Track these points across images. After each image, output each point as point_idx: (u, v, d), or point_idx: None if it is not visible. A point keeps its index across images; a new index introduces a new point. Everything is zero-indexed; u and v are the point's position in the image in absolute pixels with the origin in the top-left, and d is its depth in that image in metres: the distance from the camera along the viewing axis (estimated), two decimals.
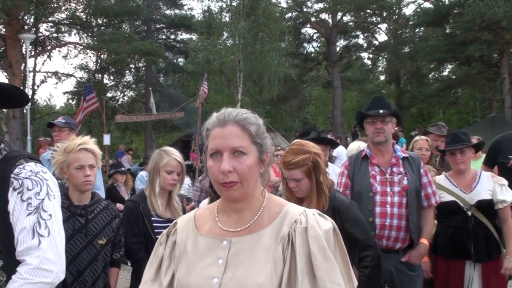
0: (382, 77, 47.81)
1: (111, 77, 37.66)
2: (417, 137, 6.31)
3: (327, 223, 1.84)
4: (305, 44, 37.94)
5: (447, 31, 33.87)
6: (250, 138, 1.83)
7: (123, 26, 33.84)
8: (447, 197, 4.65)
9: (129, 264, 4.75)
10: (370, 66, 44.29)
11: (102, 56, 33.72)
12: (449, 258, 4.62)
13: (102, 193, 5.50)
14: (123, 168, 10.55)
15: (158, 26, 37.10)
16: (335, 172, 5.37)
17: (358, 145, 6.09)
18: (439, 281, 4.67)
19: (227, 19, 25.25)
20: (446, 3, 33.00)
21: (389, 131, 4.33)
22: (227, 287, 1.77)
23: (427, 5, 36.00)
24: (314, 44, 39.29)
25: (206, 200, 4.52)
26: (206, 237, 1.91)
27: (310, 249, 1.75)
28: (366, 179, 4.30)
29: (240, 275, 1.77)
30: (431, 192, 4.42)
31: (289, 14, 34.88)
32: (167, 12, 36.97)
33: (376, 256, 3.55)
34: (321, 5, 35.07)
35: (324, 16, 35.40)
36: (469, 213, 4.55)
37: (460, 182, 4.69)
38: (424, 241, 4.36)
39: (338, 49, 35.51)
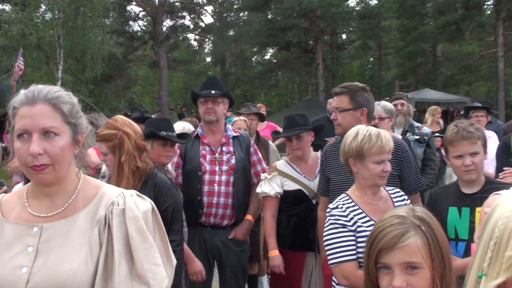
0: (208, 59, 48.64)
1: None
2: (235, 118, 6.58)
3: (146, 204, 1.82)
4: (131, 22, 36.93)
5: (269, 16, 35.50)
6: (63, 117, 1.72)
7: None
8: (292, 186, 4.31)
9: None
10: (197, 48, 44.72)
11: None
12: (291, 249, 4.31)
13: None
14: None
15: None
16: None
17: (183, 125, 6.13)
18: (275, 274, 4.34)
19: None
20: None
21: (220, 111, 4.42)
22: (38, 276, 1.65)
23: None
24: (140, 22, 38.44)
25: (20, 185, 4.16)
26: (13, 224, 1.75)
27: (128, 231, 1.72)
28: (196, 158, 4.38)
29: (52, 263, 1.67)
30: (260, 169, 4.60)
31: None
32: None
33: (182, 242, 3.55)
34: None
35: None
36: (314, 201, 4.27)
37: (303, 168, 4.39)
38: (249, 217, 4.53)
39: (164, 29, 35.16)
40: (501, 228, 1.18)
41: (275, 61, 42.25)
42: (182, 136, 4.31)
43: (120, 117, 3.54)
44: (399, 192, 3.15)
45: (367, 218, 2.84)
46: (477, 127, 3.19)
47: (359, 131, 2.94)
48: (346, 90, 3.74)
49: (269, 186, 4.30)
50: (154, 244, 1.75)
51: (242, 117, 6.44)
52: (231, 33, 39.58)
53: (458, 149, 3.11)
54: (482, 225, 1.31)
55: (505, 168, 3.23)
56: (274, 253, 4.21)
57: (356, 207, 2.90)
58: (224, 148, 4.46)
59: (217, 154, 4.41)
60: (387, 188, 3.12)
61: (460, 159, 3.10)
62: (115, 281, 1.66)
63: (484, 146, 3.15)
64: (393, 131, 5.64)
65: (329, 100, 6.78)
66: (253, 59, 44.70)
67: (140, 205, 1.79)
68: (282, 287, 4.35)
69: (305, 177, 4.35)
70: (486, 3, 35.73)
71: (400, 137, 5.19)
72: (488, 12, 36.34)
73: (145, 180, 3.42)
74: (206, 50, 47.63)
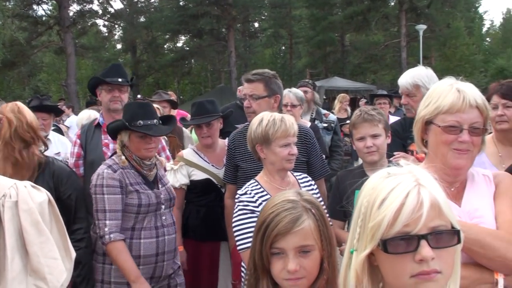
0: (119, 46, 47.27)
1: None
2: (155, 105, 6.47)
3: (41, 195, 1.76)
4: (35, 6, 34.98)
5: (181, 3, 35.06)
6: None
7: None
8: (200, 175, 4.19)
9: None
10: (106, 34, 43.25)
11: None
12: (203, 240, 4.21)
13: None
14: None
15: None
16: (61, 143, 5.21)
17: (88, 114, 5.93)
18: (189, 269, 4.13)
19: None
20: None
21: (125, 100, 4.29)
22: None
23: None
24: (45, 6, 36.49)
25: None
26: None
27: (22, 224, 1.66)
28: (99, 147, 4.17)
29: None
30: (165, 157, 4.50)
31: None
32: None
33: (89, 229, 3.44)
34: None
35: None
36: (223, 190, 4.17)
37: (211, 156, 4.29)
38: None
39: (71, 14, 33.64)
40: (366, 204, 1.31)
41: (187, 48, 41.86)
42: (167, 119, 3.78)
43: (13, 104, 3.27)
44: (306, 177, 3.25)
45: None
46: (380, 111, 3.35)
47: (263, 117, 3.02)
48: (261, 77, 3.75)
49: (174, 177, 4.16)
50: (50, 237, 1.69)
51: (155, 105, 6.35)
52: (142, 19, 38.68)
53: (360, 131, 3.23)
54: None
55: (395, 153, 3.39)
56: (180, 249, 4.01)
57: (265, 193, 2.94)
58: None
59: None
60: (295, 174, 3.21)
61: (362, 141, 3.23)
62: (8, 278, 1.59)
63: (386, 129, 3.29)
64: (301, 118, 5.76)
65: (239, 88, 6.82)
66: (165, 46, 43.95)
67: (35, 196, 1.72)
68: (200, 280, 4.21)
69: (213, 165, 4.26)
70: None
71: (309, 124, 5.34)
72: (392, 3, 38.03)
73: (42, 170, 3.22)
74: (116, 37, 46.26)
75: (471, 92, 1.93)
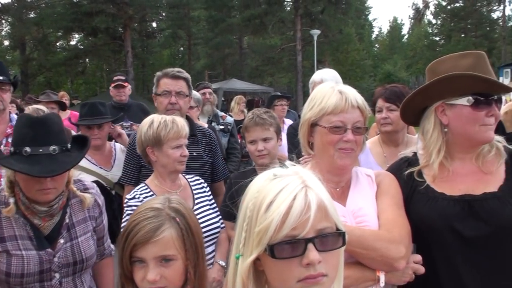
0: (6, 42, 44.44)
1: None
2: (40, 107, 6.14)
3: None
4: None
5: (74, 0, 33.68)
6: None
7: None
8: (88, 178, 3.85)
9: None
10: None
11: None
12: None
13: None
14: None
15: None
16: None
17: None
18: None
19: None
20: None
21: (7, 99, 4.00)
22: None
23: None
24: None
25: None
26: None
27: None
28: None
29: None
30: None
31: None
32: None
33: None
34: None
35: None
36: (113, 192, 4.09)
37: (98, 159, 4.16)
38: None
39: None
40: (251, 207, 1.27)
41: (81, 47, 40.24)
42: (78, 141, 2.67)
43: None
44: (198, 179, 3.22)
45: None
46: (271, 115, 3.40)
47: (154, 119, 2.97)
48: (185, 76, 3.73)
49: None
50: None
51: (39, 106, 5.99)
52: (32, 15, 36.61)
53: (252, 135, 3.27)
54: None
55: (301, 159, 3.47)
56: None
57: (155, 196, 2.89)
58: (10, 140, 4.08)
59: (2, 146, 4.00)
60: (187, 176, 3.19)
61: (253, 144, 3.27)
62: None
63: (278, 132, 3.36)
64: (198, 120, 5.74)
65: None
66: (57, 44, 41.94)
67: None
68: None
69: (101, 167, 4.14)
70: None
71: (206, 126, 5.33)
72: (288, 8, 39.11)
73: None
74: (3, 33, 43.46)
75: (352, 93, 2.00)
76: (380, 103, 3.44)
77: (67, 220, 2.49)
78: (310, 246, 1.20)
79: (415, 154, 2.27)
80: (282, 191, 1.23)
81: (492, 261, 2.00)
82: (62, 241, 2.44)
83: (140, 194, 2.90)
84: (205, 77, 34.43)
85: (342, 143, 1.97)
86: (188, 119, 3.78)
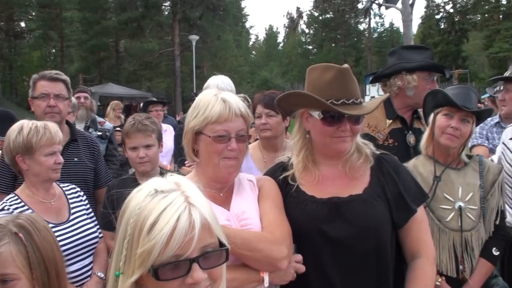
0: None
1: None
2: None
3: None
4: None
5: None
6: None
7: None
8: None
9: None
10: None
11: None
12: None
13: None
14: None
15: None
16: None
17: None
18: None
19: None
20: None
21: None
22: None
23: None
24: None
25: None
26: None
27: None
28: None
29: None
30: None
31: None
32: None
33: None
34: None
35: None
36: None
37: None
38: None
39: None
40: (133, 225, 1.21)
41: None
42: None
43: None
44: (74, 188, 3.07)
45: None
46: (153, 120, 3.34)
47: (23, 125, 2.78)
48: (63, 78, 3.57)
49: None
50: None
51: None
52: None
53: (133, 141, 3.19)
54: None
55: (186, 163, 3.43)
56: None
57: (26, 207, 2.72)
58: None
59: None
60: (62, 185, 3.02)
61: (135, 151, 3.19)
62: None
63: (159, 139, 3.31)
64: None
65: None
66: None
67: None
68: None
69: None
70: (164, 4, 38.10)
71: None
72: (166, 13, 38.81)
73: None
74: None
75: (235, 101, 2.02)
76: (259, 109, 3.52)
77: None
78: (195, 266, 1.18)
79: (290, 159, 2.33)
80: (165, 211, 1.18)
81: (357, 260, 2.11)
82: None
83: (10, 205, 2.69)
84: (79, 81, 32.92)
85: (227, 151, 1.99)
86: (69, 124, 3.66)
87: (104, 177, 3.74)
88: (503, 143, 3.64)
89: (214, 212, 1.27)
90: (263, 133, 3.50)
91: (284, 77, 53.28)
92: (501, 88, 3.81)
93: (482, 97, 7.11)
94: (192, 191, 1.26)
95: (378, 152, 2.29)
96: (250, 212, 2.06)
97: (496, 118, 4.66)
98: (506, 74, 3.50)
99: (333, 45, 58.16)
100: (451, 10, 48.92)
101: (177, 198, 1.21)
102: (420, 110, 3.43)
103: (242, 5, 61.89)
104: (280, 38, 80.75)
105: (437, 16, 50.31)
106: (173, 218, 1.17)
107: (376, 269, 2.13)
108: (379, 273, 2.13)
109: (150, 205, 1.21)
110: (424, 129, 3.12)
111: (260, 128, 3.49)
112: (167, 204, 1.19)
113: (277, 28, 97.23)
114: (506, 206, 3.23)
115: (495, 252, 2.81)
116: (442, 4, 49.32)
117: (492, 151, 4.82)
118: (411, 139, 3.38)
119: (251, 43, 74.75)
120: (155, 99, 8.47)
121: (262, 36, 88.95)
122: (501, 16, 43.89)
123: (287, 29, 70.46)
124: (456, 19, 48.05)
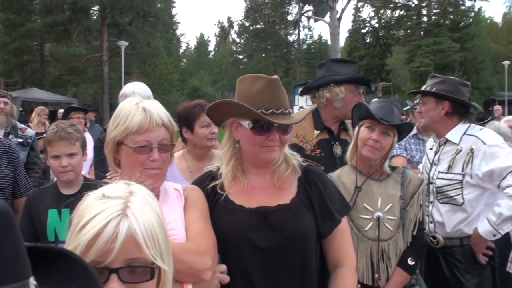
0: None
1: None
2: None
3: None
4: None
5: None
6: None
7: None
8: None
9: None
10: None
11: None
12: None
13: None
14: None
15: None
16: None
17: None
18: None
19: None
20: None
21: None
22: None
23: None
24: None
25: None
26: None
27: None
28: None
29: None
30: None
31: None
32: None
33: None
34: None
35: None
36: None
37: None
38: None
39: None
40: (75, 223, 1.25)
41: None
42: None
43: None
44: None
45: None
46: (77, 128, 3.26)
47: None
48: None
49: None
50: None
51: None
52: None
53: (56, 149, 3.10)
54: None
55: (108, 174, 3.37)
56: None
57: None
58: None
59: None
60: None
61: (57, 159, 3.10)
62: None
63: (83, 147, 3.25)
64: None
65: None
66: None
67: None
68: None
69: None
70: (93, 8, 37.21)
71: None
72: (94, 17, 37.90)
73: None
74: None
75: (156, 111, 2.00)
76: (207, 118, 3.54)
77: None
78: (113, 276, 1.19)
79: (219, 168, 2.34)
80: (98, 215, 1.20)
81: (283, 268, 2.14)
82: None
83: None
84: (0, 85, 31.50)
85: (148, 162, 1.98)
86: None
87: (24, 186, 3.64)
88: (426, 152, 3.88)
89: (158, 230, 1.27)
90: (211, 142, 3.54)
91: (214, 86, 53.35)
92: (419, 101, 4.08)
93: (405, 109, 7.51)
94: (140, 203, 1.27)
95: (305, 164, 2.35)
96: (176, 222, 2.04)
97: (414, 130, 4.96)
98: (423, 88, 3.74)
99: (263, 55, 58.88)
100: (376, 25, 50.77)
101: (115, 206, 1.22)
102: (348, 122, 3.60)
103: (173, 13, 61.47)
104: (211, 46, 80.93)
105: (363, 30, 51.97)
106: (101, 224, 1.18)
107: (302, 277, 2.18)
108: (304, 282, 2.19)
109: (90, 207, 1.24)
110: (350, 141, 3.27)
111: (208, 137, 3.51)
112: (102, 209, 1.22)
113: (208, 37, 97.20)
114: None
115: (411, 262, 2.95)
116: (368, 19, 51.08)
117: (410, 161, 5.14)
118: (337, 150, 3.52)
119: (181, 50, 74.17)
120: (76, 106, 8.30)
121: (193, 44, 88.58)
122: (422, 33, 46.11)
123: (218, 38, 70.64)
124: (381, 34, 49.89)
